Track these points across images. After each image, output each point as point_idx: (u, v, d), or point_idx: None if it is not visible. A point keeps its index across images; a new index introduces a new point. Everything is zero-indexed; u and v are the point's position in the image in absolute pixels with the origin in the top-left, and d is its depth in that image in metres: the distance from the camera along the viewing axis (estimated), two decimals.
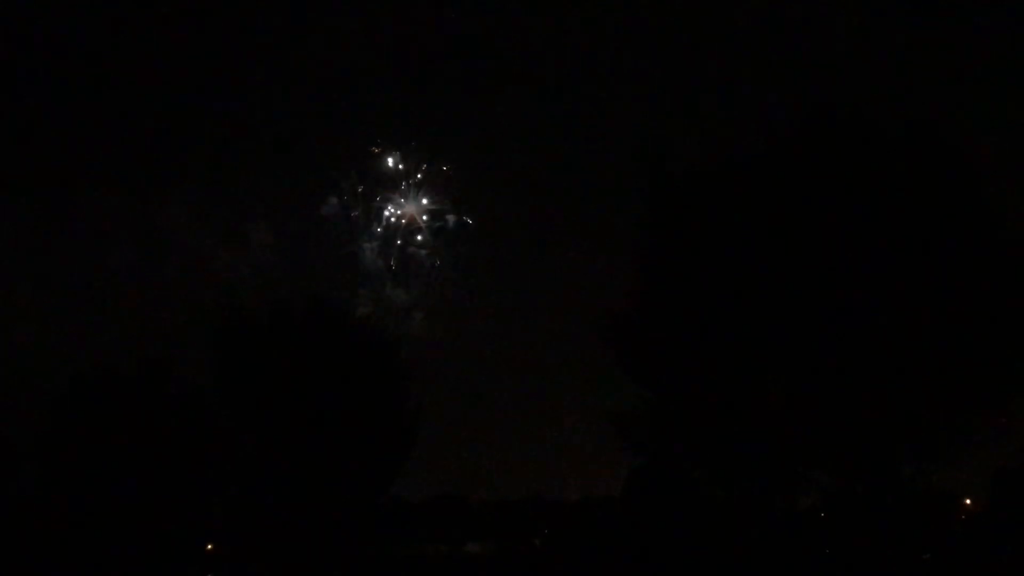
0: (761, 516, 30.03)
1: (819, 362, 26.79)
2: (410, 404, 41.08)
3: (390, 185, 69.35)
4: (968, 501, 50.32)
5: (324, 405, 38.41)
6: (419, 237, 69.09)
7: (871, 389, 26.15)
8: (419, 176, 69.07)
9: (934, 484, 30.00)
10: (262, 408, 39.02)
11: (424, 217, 68.23)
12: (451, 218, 67.56)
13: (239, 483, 40.54)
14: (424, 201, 69.02)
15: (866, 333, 25.93)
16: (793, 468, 28.15)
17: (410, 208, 68.09)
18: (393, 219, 69.32)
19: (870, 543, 28.06)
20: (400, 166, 69.42)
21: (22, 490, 40.77)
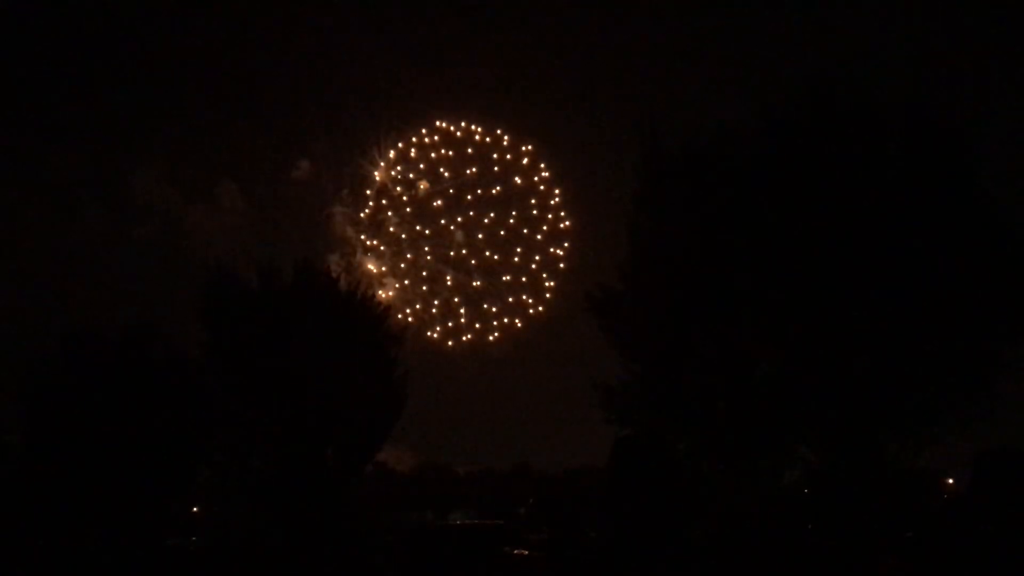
0: (744, 491, 30.18)
1: (805, 338, 26.87)
2: (397, 371, 41.13)
3: (362, 151, 68.58)
4: (951, 480, 50.77)
5: (311, 371, 38.39)
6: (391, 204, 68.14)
7: (856, 366, 26.24)
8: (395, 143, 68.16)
9: (917, 462, 30.18)
10: (249, 374, 39.01)
11: (398, 188, 67.42)
12: (423, 186, 66.68)
13: (225, 447, 40.59)
14: (397, 168, 68.24)
15: (853, 311, 25.99)
16: (777, 443, 28.29)
17: (383, 175, 67.45)
18: (365, 185, 68.53)
19: (852, 520, 28.24)
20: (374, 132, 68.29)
21: (7, 454, 40.71)
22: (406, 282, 65.36)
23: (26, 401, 40.02)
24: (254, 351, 38.66)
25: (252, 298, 39.96)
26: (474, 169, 66.34)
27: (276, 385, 38.38)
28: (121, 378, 39.14)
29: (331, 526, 38.23)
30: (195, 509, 47.92)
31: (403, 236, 65.99)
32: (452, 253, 64.90)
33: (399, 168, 65.97)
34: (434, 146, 66.84)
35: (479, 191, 65.65)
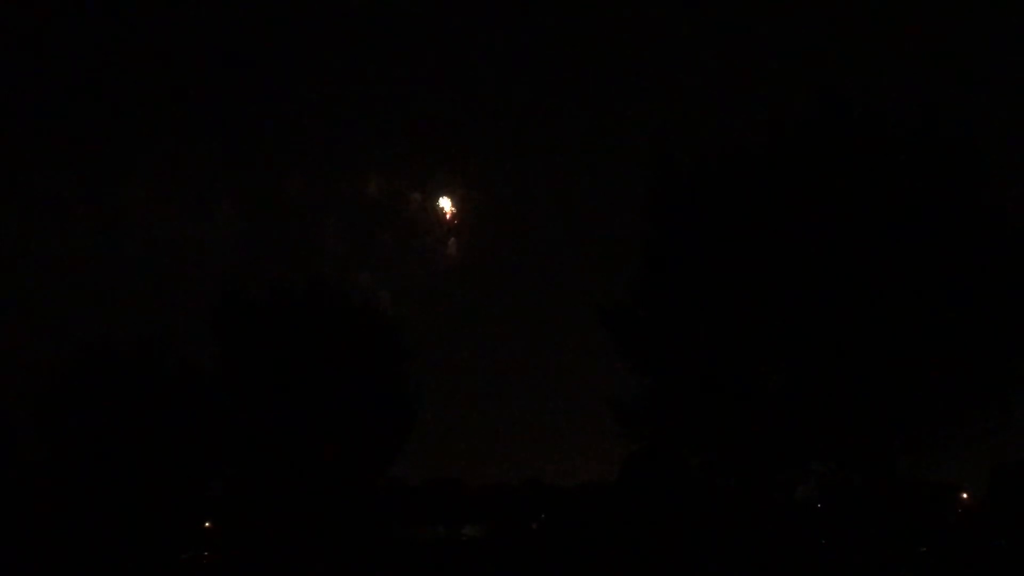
0: (758, 505, 30.10)
1: (818, 352, 26.79)
2: (409, 386, 41.14)
3: (356, 166, 68.46)
4: (965, 495, 50.51)
5: (324, 385, 38.46)
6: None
7: (870, 380, 26.14)
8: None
9: (931, 477, 30.04)
10: (262, 388, 39.08)
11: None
12: (417, 197, 66.36)
13: (237, 462, 40.66)
14: (392, 182, 67.75)
15: (866, 324, 25.91)
16: (791, 458, 28.17)
17: (376, 190, 67.16)
18: (359, 200, 68.11)
19: (867, 534, 28.10)
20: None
21: (23, 467, 40.87)
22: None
23: (40, 414, 40.19)
24: (266, 365, 38.74)
25: (264, 313, 40.05)
26: None
27: (288, 399, 38.43)
28: (134, 392, 39.30)
29: (343, 539, 38.21)
30: (207, 524, 47.96)
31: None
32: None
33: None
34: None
35: None
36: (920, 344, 26.04)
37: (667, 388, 28.71)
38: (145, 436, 38.68)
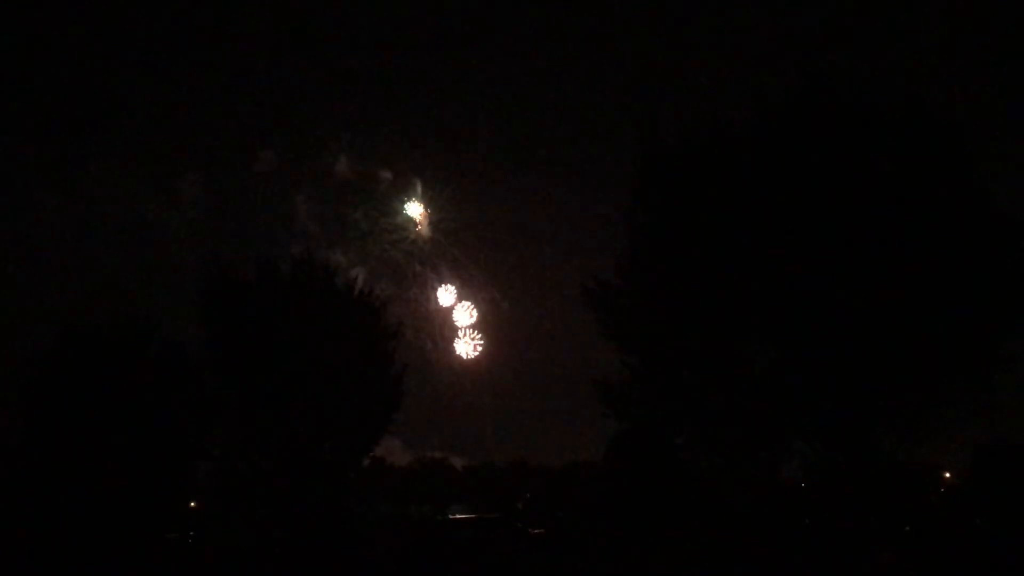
0: (742, 485, 30.22)
1: (803, 332, 26.84)
2: (395, 366, 41.05)
3: (326, 143, 67.93)
4: (948, 475, 50.92)
5: (310, 366, 38.35)
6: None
7: (853, 360, 26.21)
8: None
9: (914, 456, 30.20)
10: (248, 368, 38.95)
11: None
12: (387, 177, 65.91)
13: (223, 442, 40.57)
14: (362, 161, 67.16)
15: (850, 304, 25.96)
16: (775, 437, 28.28)
17: (346, 169, 66.68)
18: (329, 180, 67.61)
19: (850, 514, 28.25)
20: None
21: (6, 450, 40.67)
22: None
23: (25, 397, 39.96)
24: (252, 346, 38.58)
25: (249, 292, 39.82)
26: None
27: (273, 380, 38.33)
28: (119, 373, 39.10)
29: (329, 519, 38.26)
30: (193, 504, 47.95)
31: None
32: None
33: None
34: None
35: None
36: (904, 325, 26.10)
37: (652, 368, 28.76)
38: (131, 417, 38.52)
